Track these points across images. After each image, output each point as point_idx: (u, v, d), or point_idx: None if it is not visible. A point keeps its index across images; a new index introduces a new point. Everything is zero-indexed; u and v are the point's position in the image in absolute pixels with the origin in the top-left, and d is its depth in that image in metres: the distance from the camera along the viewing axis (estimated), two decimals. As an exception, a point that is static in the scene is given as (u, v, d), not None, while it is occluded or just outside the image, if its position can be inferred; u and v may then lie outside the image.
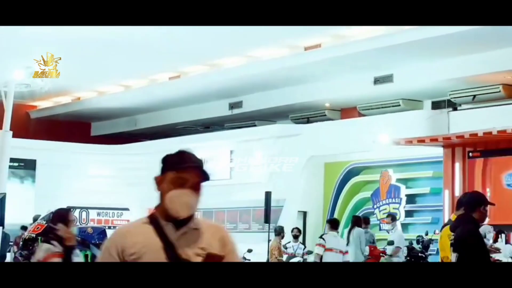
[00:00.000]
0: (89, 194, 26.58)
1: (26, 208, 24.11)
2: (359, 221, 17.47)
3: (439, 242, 8.61)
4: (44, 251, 7.68)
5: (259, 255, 18.97)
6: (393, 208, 20.44)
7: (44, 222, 17.63)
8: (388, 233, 17.70)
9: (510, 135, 16.60)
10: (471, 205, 7.78)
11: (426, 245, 17.38)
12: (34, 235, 17.24)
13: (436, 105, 21.56)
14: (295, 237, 18.69)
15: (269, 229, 20.20)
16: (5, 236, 18.62)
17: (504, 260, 14.87)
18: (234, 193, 23.92)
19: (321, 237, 15.73)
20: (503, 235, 15.92)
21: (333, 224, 15.94)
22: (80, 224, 23.66)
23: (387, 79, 20.65)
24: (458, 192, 18.16)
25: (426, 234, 17.75)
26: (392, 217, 17.63)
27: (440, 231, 9.12)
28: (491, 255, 15.37)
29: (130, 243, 3.97)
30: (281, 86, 22.89)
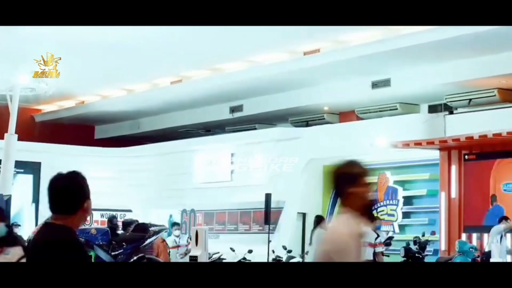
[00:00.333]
0: (93, 195, 26.38)
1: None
2: (320, 221, 17.27)
3: None
4: None
5: (259, 256, 18.97)
6: (391, 210, 20.43)
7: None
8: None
9: (505, 138, 16.58)
10: None
11: (423, 246, 17.40)
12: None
13: (432, 109, 21.54)
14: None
15: (269, 230, 20.20)
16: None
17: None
18: (235, 194, 23.91)
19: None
20: None
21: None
22: (84, 225, 23.64)
23: (385, 83, 20.64)
24: (454, 194, 18.15)
25: (423, 235, 17.75)
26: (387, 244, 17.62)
27: None
28: None
29: None
30: (281, 90, 22.88)
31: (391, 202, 20.52)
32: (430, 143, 18.15)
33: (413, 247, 17.37)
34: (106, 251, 17.00)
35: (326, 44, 19.15)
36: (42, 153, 26.49)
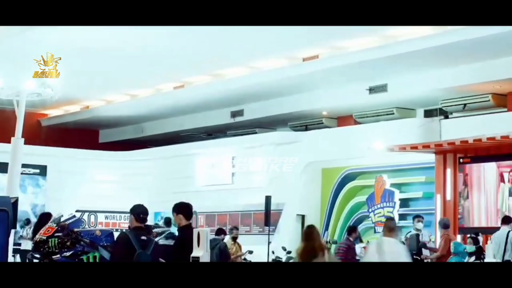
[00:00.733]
0: (97, 198, 26.56)
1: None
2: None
3: None
4: None
5: (260, 257, 18.95)
6: (388, 212, 20.41)
7: (55, 225, 17.57)
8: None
9: (499, 142, 16.57)
10: None
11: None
12: (45, 238, 17.15)
13: (428, 114, 21.54)
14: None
15: (269, 232, 20.20)
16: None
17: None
18: (235, 197, 23.91)
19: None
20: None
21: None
22: (89, 227, 23.64)
23: (382, 88, 20.64)
24: (449, 197, 18.13)
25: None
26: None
27: None
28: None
29: None
30: (280, 95, 22.89)
31: (388, 204, 20.51)
32: (426, 146, 18.14)
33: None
34: (110, 252, 17.00)
35: (325, 50, 19.14)
36: (48, 157, 26.50)
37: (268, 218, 20.19)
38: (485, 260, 14.74)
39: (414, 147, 18.25)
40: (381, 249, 9.28)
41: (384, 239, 9.65)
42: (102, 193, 26.62)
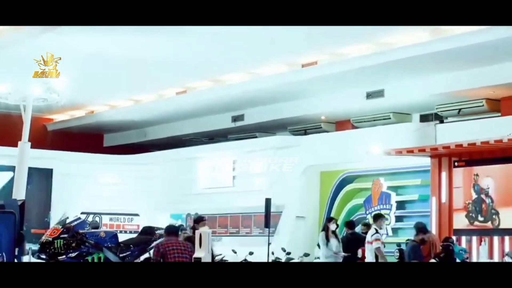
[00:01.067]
0: (102, 200, 26.58)
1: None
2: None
3: None
4: None
5: (260, 258, 18.96)
6: (384, 214, 20.40)
7: (60, 227, 17.56)
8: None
9: (493, 146, 16.58)
10: None
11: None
12: (51, 239, 17.16)
13: (424, 118, 21.55)
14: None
15: (268, 233, 20.20)
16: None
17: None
18: (236, 199, 23.91)
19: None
20: None
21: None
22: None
23: (379, 94, 20.66)
24: (444, 199, 18.14)
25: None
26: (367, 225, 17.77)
27: None
28: None
29: None
30: (280, 101, 22.91)
31: (385, 206, 20.50)
32: (422, 150, 18.14)
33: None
34: (115, 253, 17.03)
35: (323, 56, 19.16)
36: (54, 160, 26.51)
37: (268, 220, 20.18)
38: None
39: (410, 151, 18.26)
40: None
41: None
42: (107, 196, 26.64)
